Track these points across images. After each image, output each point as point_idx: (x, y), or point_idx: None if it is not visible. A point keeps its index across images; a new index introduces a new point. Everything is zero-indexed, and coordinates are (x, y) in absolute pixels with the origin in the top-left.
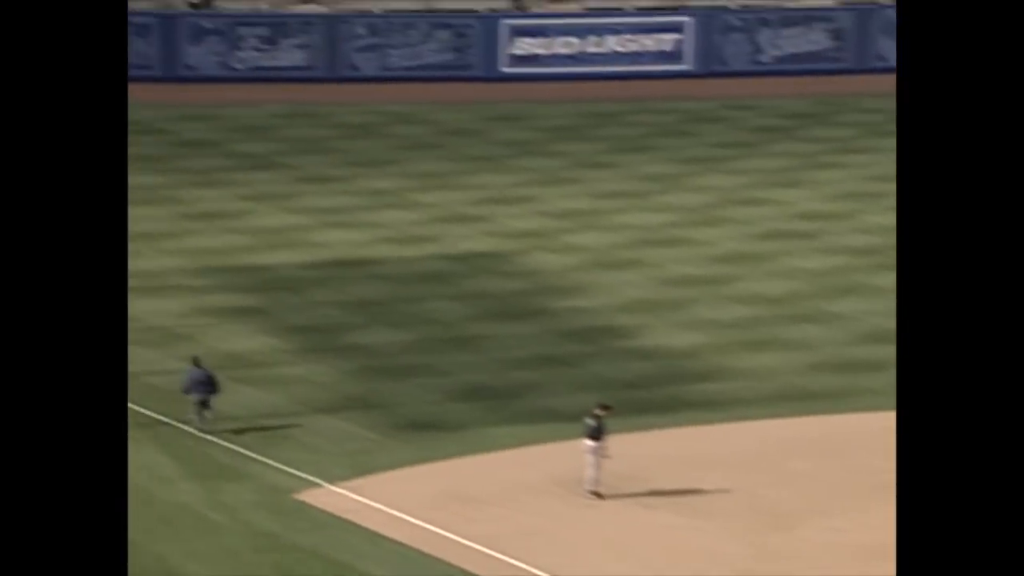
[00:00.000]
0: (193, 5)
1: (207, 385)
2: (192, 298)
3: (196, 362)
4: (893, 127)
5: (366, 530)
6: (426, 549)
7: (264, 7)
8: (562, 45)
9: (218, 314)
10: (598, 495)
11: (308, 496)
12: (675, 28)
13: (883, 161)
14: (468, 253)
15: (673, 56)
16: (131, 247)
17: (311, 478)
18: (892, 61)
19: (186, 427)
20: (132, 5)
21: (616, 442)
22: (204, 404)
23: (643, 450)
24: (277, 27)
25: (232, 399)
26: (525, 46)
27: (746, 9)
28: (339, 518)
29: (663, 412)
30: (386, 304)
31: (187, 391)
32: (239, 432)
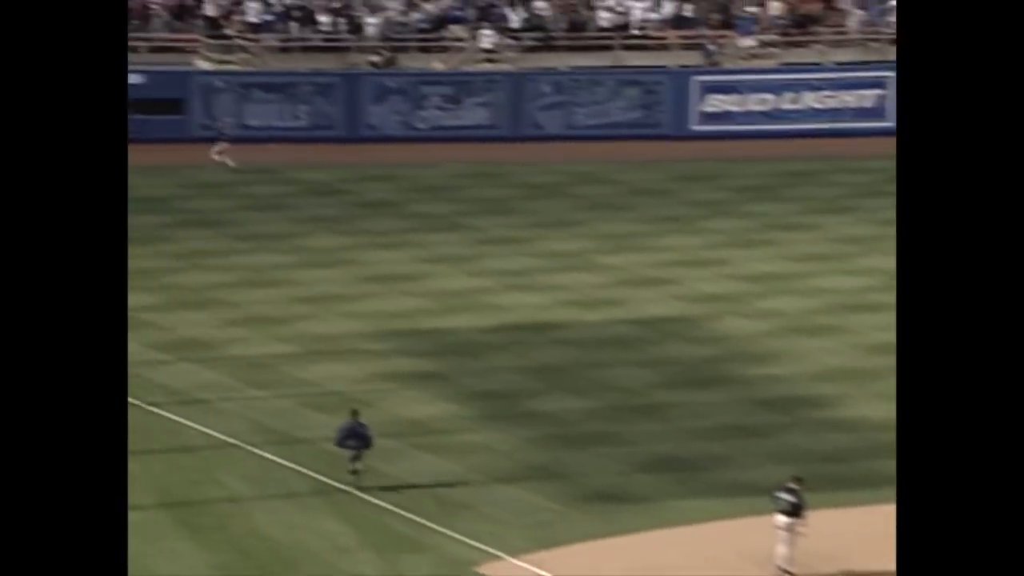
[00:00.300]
0: (374, 64)
1: (361, 439)
2: (371, 363)
3: (354, 414)
4: None
5: None
6: None
7: (447, 66)
8: (756, 102)
9: (397, 379)
10: (791, 575)
11: (488, 569)
12: (877, 84)
13: None
14: (655, 318)
15: (875, 113)
16: (307, 310)
17: (491, 550)
18: None
19: (364, 495)
20: (316, 65)
21: (811, 518)
22: (356, 458)
23: (841, 527)
24: (460, 86)
25: (411, 467)
26: (717, 103)
27: None
28: None
29: (862, 487)
30: (569, 370)
31: (340, 444)
32: (418, 501)
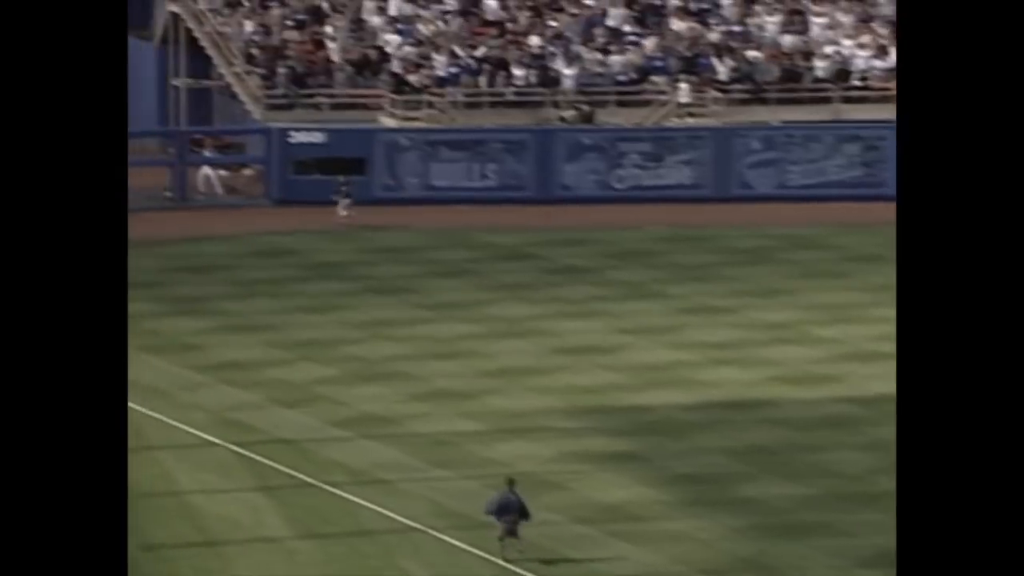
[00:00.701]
0: (564, 120)
1: (517, 512)
2: (562, 441)
3: (510, 484)
4: None
5: None
6: None
7: (647, 121)
8: None
9: (591, 460)
10: None
11: None
12: None
13: None
14: (877, 396)
15: None
16: (494, 384)
17: None
18: None
19: None
20: (506, 121)
21: None
22: (511, 532)
23: None
24: (662, 142)
25: (606, 555)
26: None
27: None
28: None
29: None
30: (781, 452)
31: (493, 513)
32: None
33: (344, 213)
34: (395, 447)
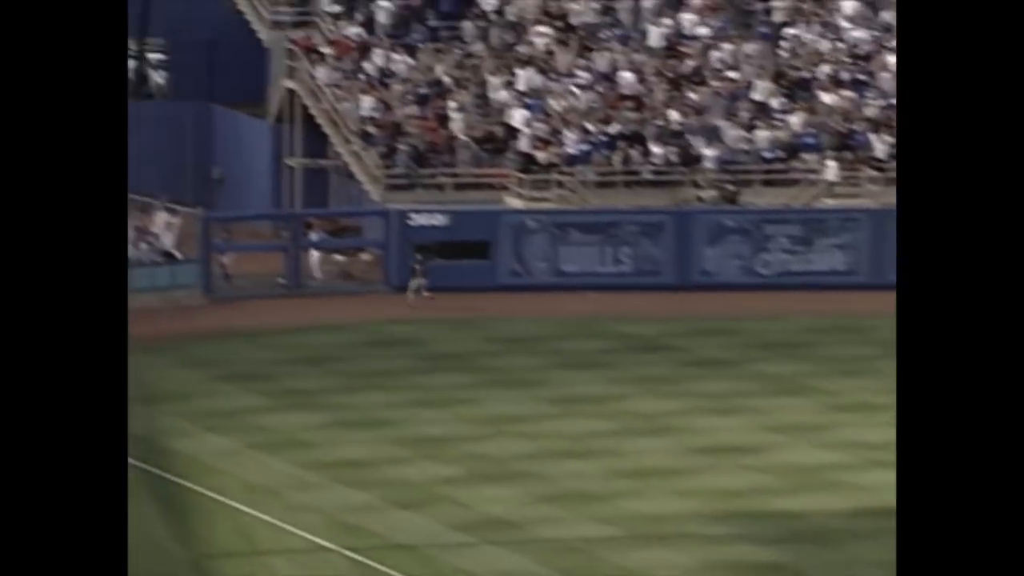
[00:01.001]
0: (701, 200)
1: None
2: (704, 549)
3: None
4: None
5: None
6: None
7: (797, 201)
8: None
9: (736, 570)
10: None
11: None
12: None
13: None
14: None
15: None
16: (629, 485)
17: None
18: None
19: None
20: (642, 201)
21: None
22: None
23: None
24: (812, 225)
25: None
26: None
27: None
28: None
29: None
30: None
31: None
32: None
33: (412, 297)
34: (521, 553)
